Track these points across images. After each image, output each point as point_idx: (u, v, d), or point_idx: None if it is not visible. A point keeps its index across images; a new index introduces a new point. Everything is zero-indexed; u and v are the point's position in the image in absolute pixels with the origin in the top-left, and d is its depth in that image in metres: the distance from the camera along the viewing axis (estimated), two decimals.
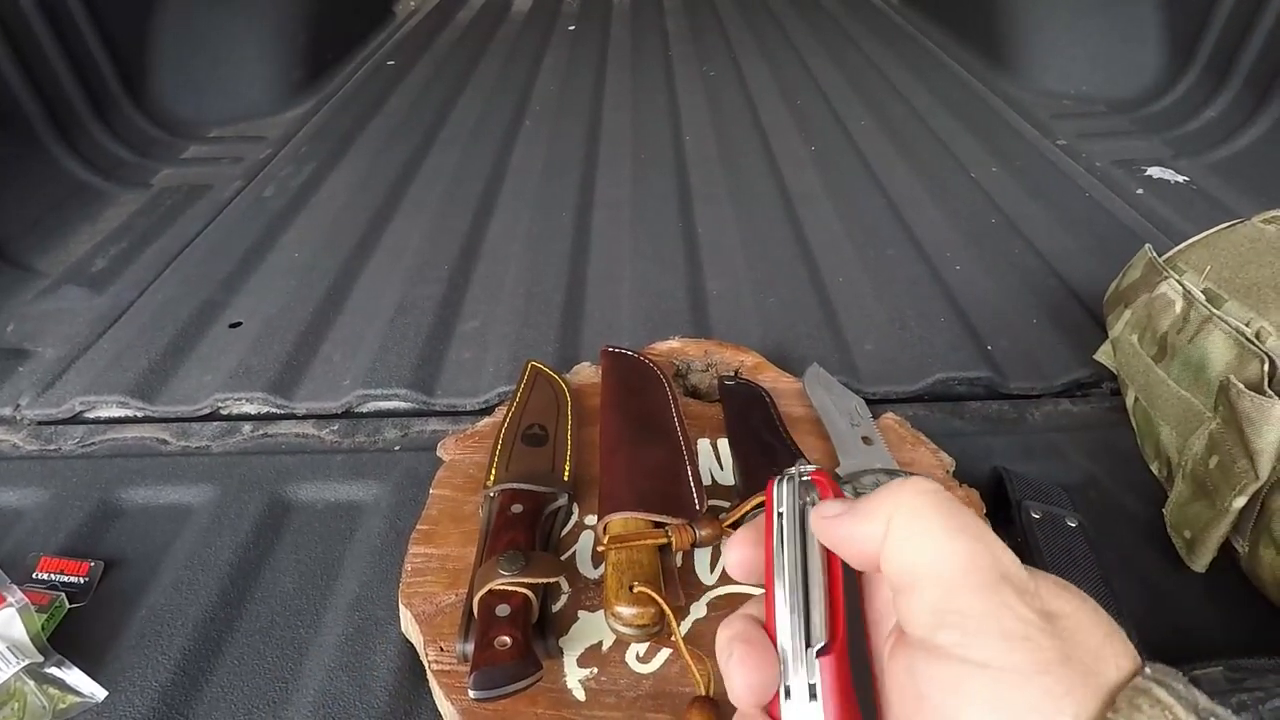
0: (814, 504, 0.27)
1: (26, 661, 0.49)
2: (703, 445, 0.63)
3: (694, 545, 0.50)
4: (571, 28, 1.85)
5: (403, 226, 1.03)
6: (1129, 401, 0.66)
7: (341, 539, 0.60)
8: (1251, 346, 0.52)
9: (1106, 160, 1.15)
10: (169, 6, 1.35)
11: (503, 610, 0.45)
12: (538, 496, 0.54)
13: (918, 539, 0.23)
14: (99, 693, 0.49)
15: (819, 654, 0.25)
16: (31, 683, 0.48)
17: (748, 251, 0.95)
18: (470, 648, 0.44)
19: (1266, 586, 0.51)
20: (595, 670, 0.46)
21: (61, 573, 0.56)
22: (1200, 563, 0.54)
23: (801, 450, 0.60)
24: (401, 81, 1.54)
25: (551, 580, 0.48)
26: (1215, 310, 0.57)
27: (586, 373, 0.71)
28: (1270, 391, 0.49)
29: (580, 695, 0.45)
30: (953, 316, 0.82)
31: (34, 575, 0.56)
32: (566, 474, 0.57)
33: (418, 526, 0.55)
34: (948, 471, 0.60)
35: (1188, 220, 0.98)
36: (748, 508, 0.44)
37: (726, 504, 0.57)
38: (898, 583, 0.24)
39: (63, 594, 0.54)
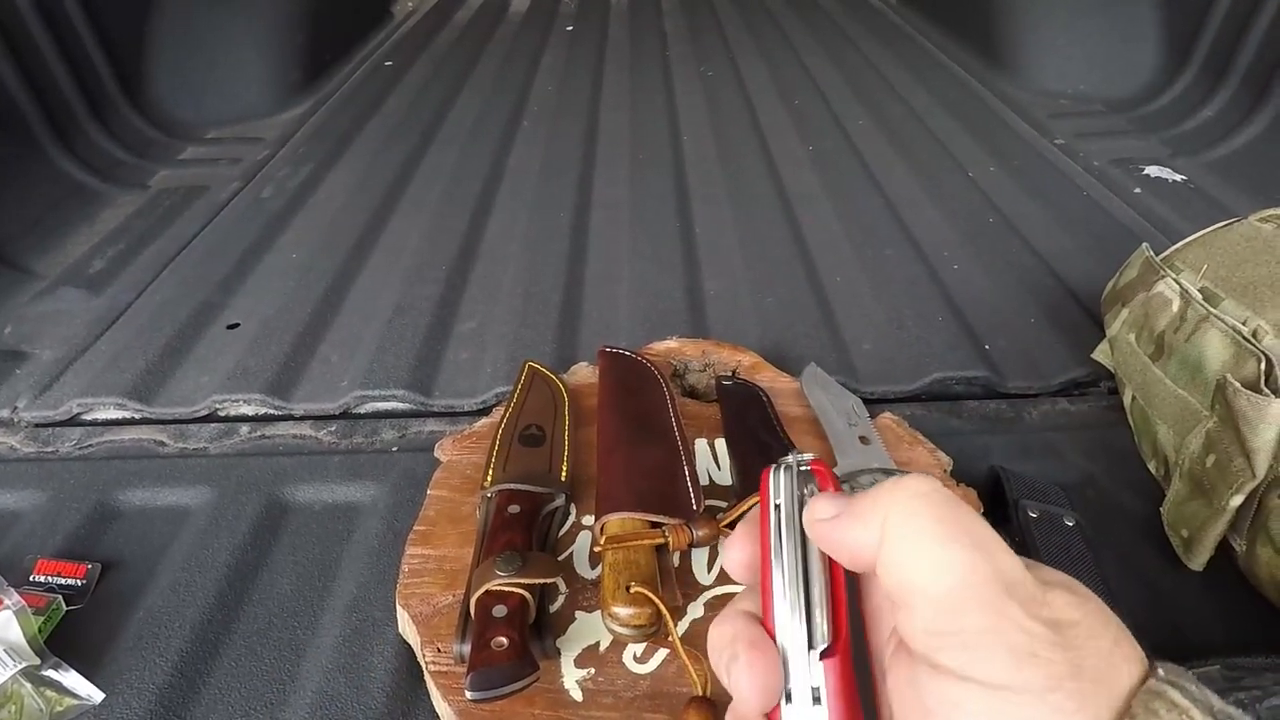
0: (813, 495, 0.25)
1: (24, 664, 0.48)
2: (700, 445, 0.63)
3: (691, 545, 0.50)
4: (569, 28, 1.85)
5: (400, 227, 1.03)
6: (1126, 400, 0.66)
7: (339, 540, 0.60)
8: (1248, 345, 0.52)
9: (1104, 159, 1.15)
10: (166, 7, 1.35)
11: (500, 611, 0.45)
12: (535, 497, 0.54)
13: (913, 551, 0.22)
14: (96, 695, 0.49)
15: (822, 655, 0.23)
16: (29, 685, 0.48)
17: (745, 251, 0.95)
18: (467, 648, 0.44)
19: (1263, 585, 0.51)
20: (592, 671, 0.46)
21: (59, 575, 0.56)
22: (1198, 561, 0.54)
23: (799, 450, 0.60)
24: (399, 82, 1.54)
25: (549, 581, 0.48)
26: (1212, 309, 0.57)
27: (584, 373, 0.71)
28: (1267, 390, 0.49)
29: (577, 696, 0.45)
30: (950, 316, 0.82)
31: (31, 578, 0.56)
32: (564, 474, 0.57)
33: (415, 527, 0.55)
34: (945, 471, 0.60)
35: (1185, 219, 0.98)
36: (745, 507, 0.44)
37: (724, 504, 0.57)
38: (895, 598, 0.23)
39: (60, 596, 0.54)
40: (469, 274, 0.93)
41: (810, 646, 0.24)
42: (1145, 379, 0.61)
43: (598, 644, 0.48)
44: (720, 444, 0.63)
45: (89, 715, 0.48)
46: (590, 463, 0.59)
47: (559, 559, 0.54)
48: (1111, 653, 0.21)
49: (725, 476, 0.60)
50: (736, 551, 0.27)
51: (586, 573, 0.53)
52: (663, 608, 0.45)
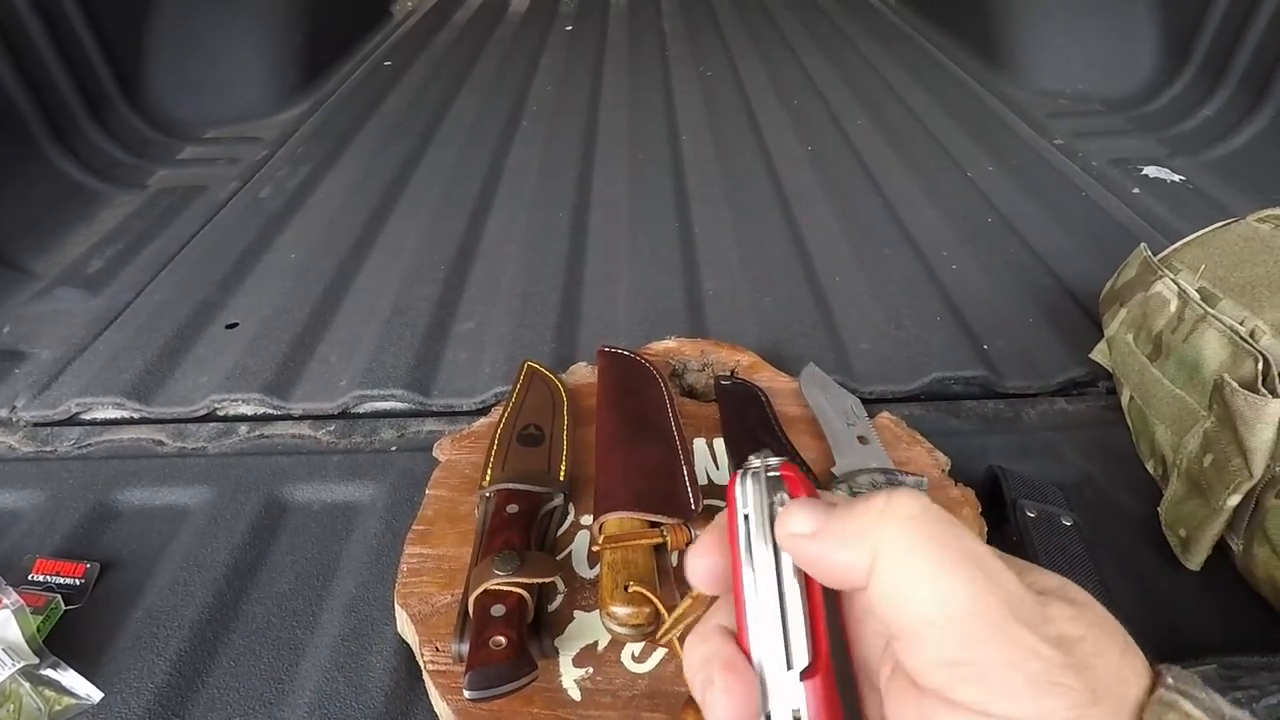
0: (783, 504, 0.24)
1: (22, 663, 0.49)
2: (699, 445, 0.63)
3: (689, 545, 0.50)
4: (569, 28, 1.85)
5: (399, 227, 1.03)
6: (1124, 400, 0.66)
7: (338, 540, 0.60)
8: (1245, 345, 0.52)
9: (1102, 159, 1.15)
10: (165, 7, 1.35)
11: (498, 610, 0.45)
12: (533, 496, 0.54)
13: (914, 581, 0.21)
14: (95, 694, 0.49)
15: (802, 676, 0.22)
16: (27, 685, 0.48)
17: (744, 251, 0.95)
18: (465, 648, 0.44)
19: (1260, 584, 0.52)
20: (591, 670, 0.46)
21: (57, 574, 0.56)
22: (1195, 561, 0.54)
23: (797, 449, 0.61)
24: (398, 82, 1.54)
25: (547, 580, 0.48)
26: (1210, 309, 0.57)
27: (583, 373, 0.71)
28: (1264, 390, 0.49)
29: (576, 695, 0.45)
30: (949, 316, 0.82)
31: (30, 577, 0.56)
32: (562, 474, 0.58)
33: (414, 527, 0.55)
34: (943, 470, 0.60)
35: (1183, 219, 0.98)
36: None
37: (723, 504, 0.57)
38: (896, 628, 0.21)
39: (58, 596, 0.54)
40: (468, 274, 0.93)
41: (789, 666, 0.22)
42: (1143, 379, 0.62)
43: (596, 643, 0.48)
44: (719, 443, 0.63)
45: (87, 714, 0.49)
46: (589, 462, 0.59)
47: (557, 558, 0.54)
48: (1120, 667, 0.20)
49: (724, 476, 0.60)
50: (701, 559, 0.26)
51: (585, 572, 0.53)
52: (661, 607, 0.45)
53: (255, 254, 0.98)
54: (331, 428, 0.71)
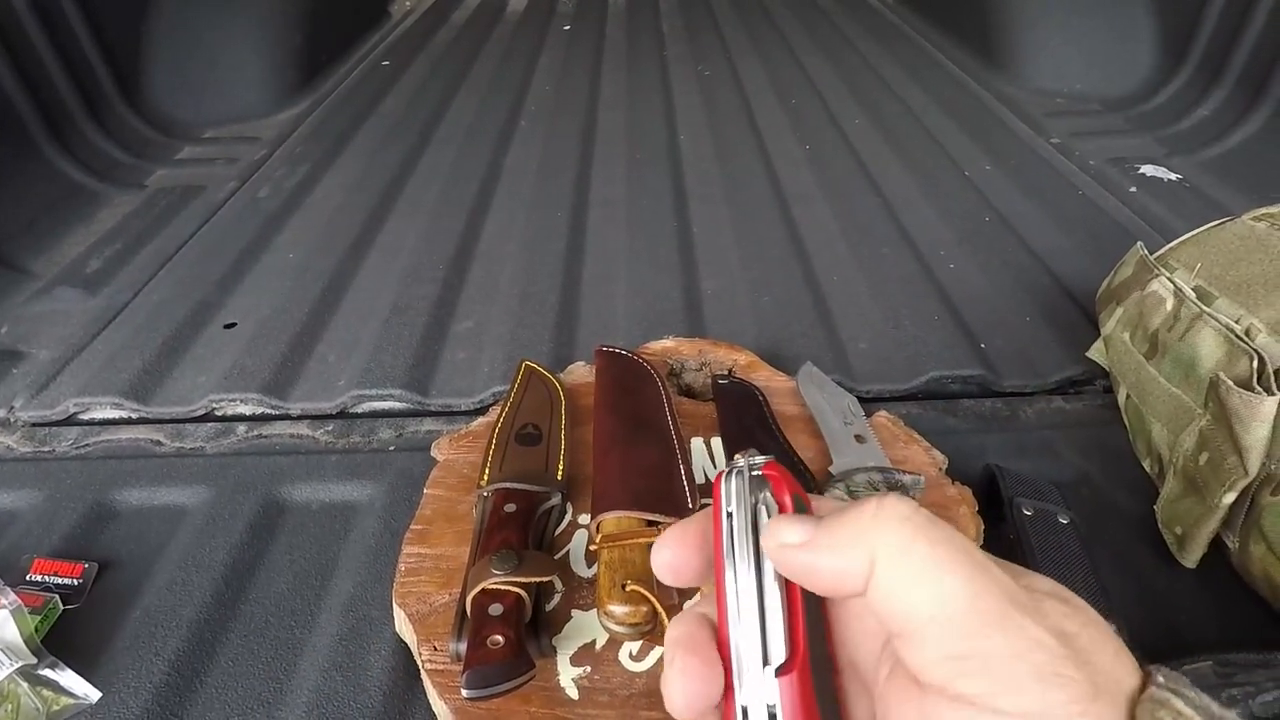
0: (766, 503, 0.24)
1: (20, 663, 0.49)
2: (696, 444, 0.63)
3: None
4: (567, 28, 1.85)
5: (398, 227, 1.03)
6: (1121, 399, 0.66)
7: (336, 539, 0.60)
8: (1241, 343, 0.52)
9: (1100, 158, 1.16)
10: (163, 7, 1.35)
11: (496, 609, 0.45)
12: (531, 496, 0.55)
13: (915, 579, 0.21)
14: (93, 694, 0.49)
15: (778, 672, 0.22)
16: (25, 684, 0.48)
17: (742, 251, 0.95)
18: (463, 647, 0.44)
19: (1256, 582, 0.52)
20: (588, 669, 0.47)
21: (55, 574, 0.56)
22: (1191, 559, 0.54)
23: (795, 448, 0.61)
24: (397, 82, 1.54)
25: (544, 579, 0.48)
26: (1205, 308, 0.57)
27: (581, 372, 0.71)
28: (1259, 388, 0.49)
29: (573, 694, 0.45)
30: (946, 315, 0.83)
31: (28, 577, 0.56)
32: (560, 473, 0.58)
33: (412, 526, 0.55)
34: (940, 469, 0.60)
35: (1180, 218, 0.98)
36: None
37: None
38: (897, 627, 0.21)
39: (56, 596, 0.54)
40: (466, 274, 0.93)
41: (766, 662, 0.23)
42: (1139, 377, 0.62)
43: (593, 642, 0.48)
44: (716, 443, 0.63)
45: (85, 714, 0.49)
46: (587, 462, 0.59)
47: (555, 557, 0.54)
48: (1114, 665, 0.21)
49: None
50: (668, 553, 0.26)
51: (582, 571, 0.53)
52: (658, 606, 0.45)
53: (254, 254, 0.98)
54: (330, 427, 0.71)
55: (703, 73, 1.55)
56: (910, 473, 0.56)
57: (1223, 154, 1.14)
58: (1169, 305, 0.60)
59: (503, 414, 0.63)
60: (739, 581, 0.24)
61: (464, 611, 0.47)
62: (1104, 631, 0.21)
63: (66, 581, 0.56)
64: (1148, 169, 1.12)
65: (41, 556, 0.58)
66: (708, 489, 0.58)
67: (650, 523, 0.51)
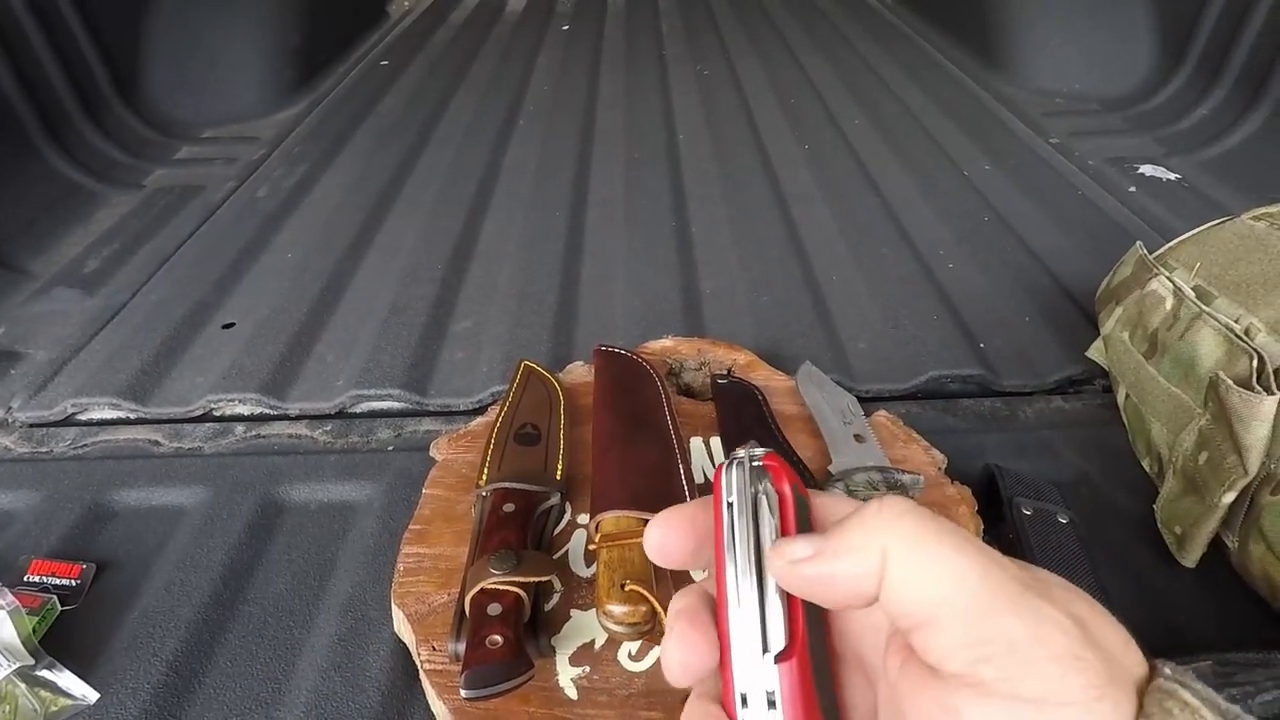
0: (766, 493, 0.25)
1: (18, 664, 0.48)
2: (695, 444, 0.63)
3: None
4: (566, 28, 1.85)
5: (396, 227, 1.03)
6: (1120, 398, 0.66)
7: (334, 539, 0.60)
8: (1240, 343, 0.52)
9: (1099, 158, 1.16)
10: (161, 7, 1.35)
11: (494, 609, 0.45)
12: (530, 496, 0.54)
13: (926, 565, 0.21)
14: (91, 695, 0.49)
15: (777, 659, 0.23)
16: (23, 685, 0.48)
17: (741, 250, 0.95)
18: (462, 647, 0.44)
19: (1256, 581, 0.52)
20: (587, 669, 0.46)
21: (53, 575, 0.56)
22: (1190, 558, 0.54)
23: (794, 448, 0.61)
24: (395, 81, 1.54)
25: (543, 579, 0.48)
26: (1205, 307, 0.57)
27: (580, 372, 0.71)
28: (1259, 387, 0.49)
29: (572, 694, 0.45)
30: (945, 314, 0.83)
31: (25, 578, 0.56)
32: (559, 473, 0.57)
33: (410, 526, 0.55)
34: (940, 469, 0.60)
35: (1179, 218, 0.98)
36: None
37: None
38: (913, 619, 0.22)
39: (54, 596, 0.54)
40: (465, 273, 0.93)
41: (765, 649, 0.23)
42: (1139, 377, 0.62)
43: (592, 642, 0.48)
44: (715, 442, 0.63)
45: (84, 715, 0.48)
46: (585, 461, 0.59)
47: (554, 557, 0.54)
48: (1125, 652, 0.21)
49: None
50: (659, 534, 0.27)
51: (581, 571, 0.53)
52: (657, 606, 0.45)
53: (252, 254, 0.98)
54: (328, 427, 0.71)
55: (701, 73, 1.55)
56: (909, 472, 0.56)
57: (1222, 154, 1.14)
58: (1168, 305, 0.60)
59: (501, 414, 0.63)
60: (739, 569, 0.24)
61: (463, 611, 0.47)
62: (1111, 620, 0.22)
63: (64, 582, 0.56)
64: (1147, 169, 1.12)
65: (39, 557, 0.57)
66: (707, 488, 0.58)
67: (649, 522, 0.50)
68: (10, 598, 0.51)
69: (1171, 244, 0.66)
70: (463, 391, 0.74)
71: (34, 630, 0.51)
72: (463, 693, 0.41)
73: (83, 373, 0.77)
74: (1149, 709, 0.20)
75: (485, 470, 0.57)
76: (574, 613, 0.50)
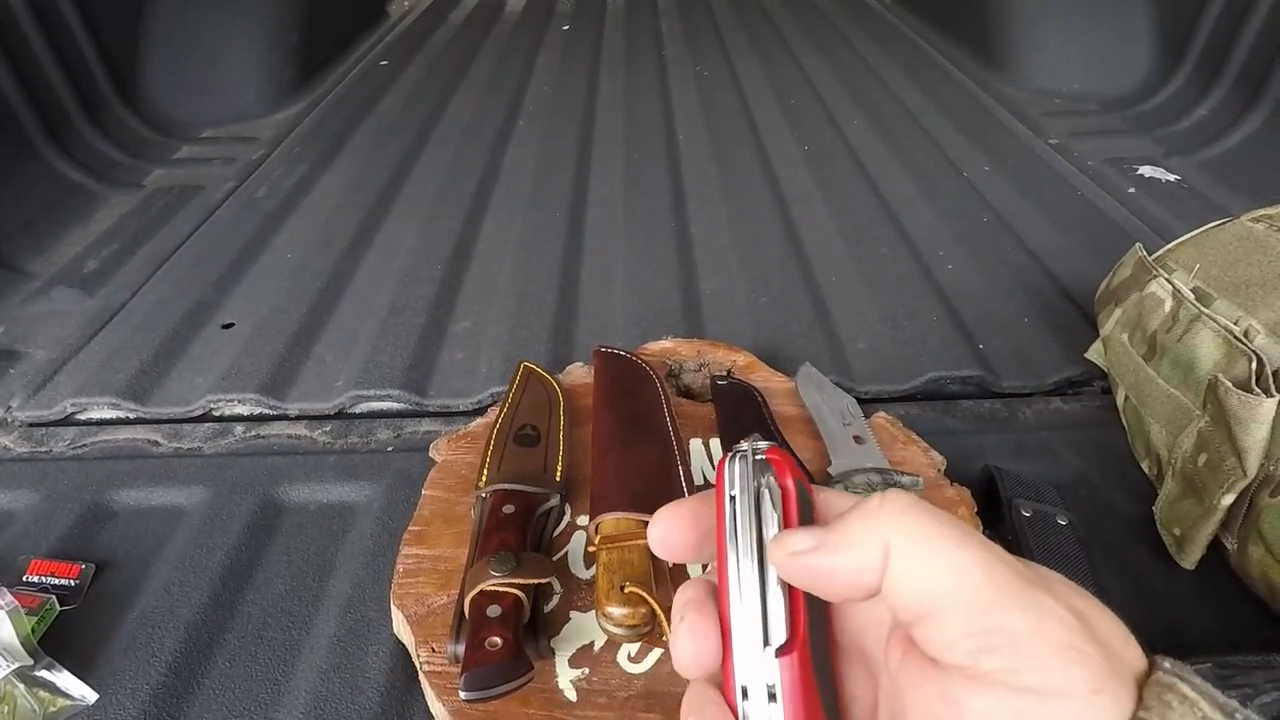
0: (769, 486, 0.25)
1: (17, 665, 0.48)
2: (695, 445, 0.63)
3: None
4: (565, 28, 1.85)
5: (395, 227, 1.03)
6: (1119, 400, 0.66)
7: (334, 540, 0.60)
8: (1239, 345, 0.52)
9: (1098, 159, 1.16)
10: (161, 7, 1.35)
11: (494, 611, 0.45)
12: (530, 497, 0.54)
13: (929, 557, 0.21)
14: (90, 695, 0.49)
15: (778, 653, 0.23)
16: (22, 686, 0.48)
17: (740, 251, 0.95)
18: (462, 649, 0.44)
19: (1255, 583, 0.52)
20: (587, 670, 0.46)
21: (52, 575, 0.56)
22: (1190, 560, 0.54)
23: (793, 449, 0.61)
24: (395, 82, 1.54)
25: (543, 581, 0.48)
26: (1204, 309, 0.57)
27: (579, 373, 0.71)
28: (1258, 389, 0.49)
29: (572, 695, 0.45)
30: (945, 315, 0.83)
31: (24, 578, 0.56)
32: (559, 474, 0.57)
33: (410, 527, 0.55)
34: (939, 470, 0.60)
35: (1179, 219, 0.98)
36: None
37: None
38: (915, 611, 0.22)
39: (53, 596, 0.54)
40: (464, 274, 0.93)
41: (766, 643, 0.23)
42: (1138, 378, 0.62)
43: (592, 644, 0.48)
44: (715, 444, 0.63)
45: (82, 716, 0.48)
46: (585, 463, 0.59)
47: (553, 559, 0.54)
48: (1125, 646, 0.21)
49: None
50: (663, 528, 0.27)
51: (581, 573, 0.53)
52: (657, 608, 0.45)
53: (251, 254, 0.98)
54: (328, 428, 0.71)
55: (701, 73, 1.55)
56: (909, 474, 0.56)
57: (1221, 154, 1.14)
58: (1167, 306, 0.60)
59: (501, 415, 0.63)
60: (740, 562, 0.24)
61: (462, 613, 0.47)
62: (1111, 615, 0.22)
63: (63, 582, 0.56)
64: (1146, 169, 1.12)
65: (38, 557, 0.57)
66: (706, 489, 0.58)
67: (648, 524, 0.50)
68: (9, 598, 0.51)
69: (1171, 245, 0.66)
70: (462, 392, 0.74)
71: (33, 630, 0.51)
72: (462, 694, 0.41)
73: (82, 372, 0.77)
74: (1148, 702, 0.20)
75: (485, 471, 0.57)
76: (573, 614, 0.50)
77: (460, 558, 0.52)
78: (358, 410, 0.74)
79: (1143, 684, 0.20)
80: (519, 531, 0.51)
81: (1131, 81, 1.35)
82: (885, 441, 0.61)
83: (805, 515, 0.25)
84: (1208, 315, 0.56)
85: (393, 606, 0.50)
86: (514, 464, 0.57)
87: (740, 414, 0.64)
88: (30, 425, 0.73)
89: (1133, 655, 0.21)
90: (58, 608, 0.54)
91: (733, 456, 0.26)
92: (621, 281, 0.90)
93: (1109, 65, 1.37)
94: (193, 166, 1.22)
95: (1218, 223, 0.65)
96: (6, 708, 0.47)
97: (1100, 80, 1.37)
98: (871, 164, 1.17)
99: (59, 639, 0.52)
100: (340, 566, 0.58)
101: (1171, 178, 1.10)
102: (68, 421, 0.73)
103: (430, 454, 0.63)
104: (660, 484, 0.54)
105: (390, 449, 0.68)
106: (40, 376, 0.77)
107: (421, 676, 0.47)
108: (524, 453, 0.59)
